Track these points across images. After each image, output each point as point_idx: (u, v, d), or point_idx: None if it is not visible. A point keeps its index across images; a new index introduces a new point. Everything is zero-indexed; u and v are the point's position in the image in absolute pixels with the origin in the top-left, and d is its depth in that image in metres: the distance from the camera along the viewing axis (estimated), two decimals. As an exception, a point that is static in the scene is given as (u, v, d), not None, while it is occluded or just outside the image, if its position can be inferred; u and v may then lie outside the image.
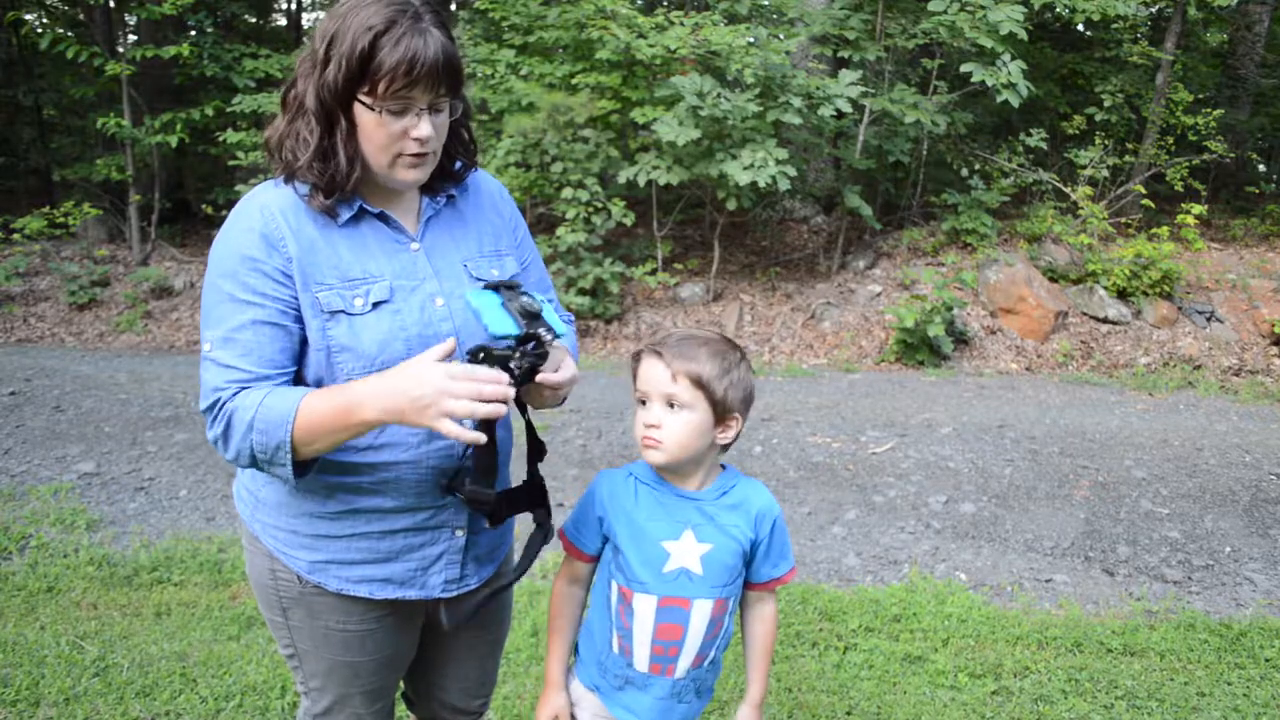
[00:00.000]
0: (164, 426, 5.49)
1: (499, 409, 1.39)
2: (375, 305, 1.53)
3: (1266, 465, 5.37)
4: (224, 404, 1.46)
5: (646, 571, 1.69)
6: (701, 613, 1.70)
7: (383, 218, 1.59)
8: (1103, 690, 3.14)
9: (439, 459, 1.60)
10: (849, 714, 2.94)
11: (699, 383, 1.63)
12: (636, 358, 1.68)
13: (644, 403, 1.67)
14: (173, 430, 5.42)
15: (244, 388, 1.47)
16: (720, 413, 1.66)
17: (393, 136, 1.48)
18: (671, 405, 1.64)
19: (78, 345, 8.02)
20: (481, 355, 1.45)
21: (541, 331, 1.47)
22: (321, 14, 15.04)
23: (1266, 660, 3.35)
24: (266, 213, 1.51)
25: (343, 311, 1.52)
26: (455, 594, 1.72)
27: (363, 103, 1.46)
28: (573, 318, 1.60)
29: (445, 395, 1.36)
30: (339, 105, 1.47)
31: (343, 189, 1.52)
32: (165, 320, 8.45)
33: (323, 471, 1.57)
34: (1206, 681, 3.21)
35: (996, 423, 6.00)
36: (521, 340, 1.47)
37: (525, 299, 1.51)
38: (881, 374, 7.41)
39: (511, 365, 1.44)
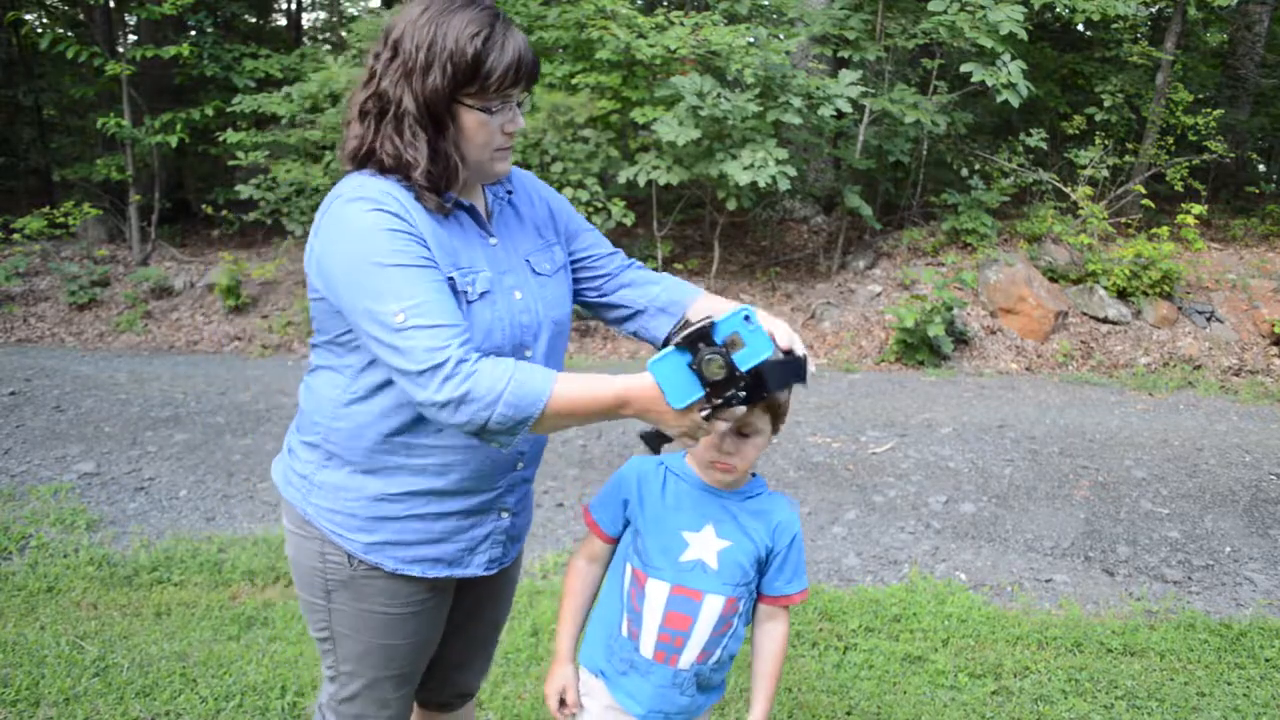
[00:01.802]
0: (164, 426, 5.49)
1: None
2: (481, 295, 1.60)
3: (1266, 465, 5.37)
4: (459, 365, 1.44)
5: (663, 558, 1.72)
6: (712, 607, 1.72)
7: (470, 211, 1.66)
8: (1103, 690, 3.14)
9: (499, 450, 1.68)
10: (849, 714, 2.94)
11: (773, 408, 1.66)
12: None
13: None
14: (173, 430, 5.43)
15: (478, 352, 1.48)
16: (777, 426, 1.70)
17: (492, 133, 1.58)
18: (744, 433, 1.67)
19: (78, 345, 8.02)
20: (711, 396, 1.47)
21: (730, 392, 1.46)
22: (322, 14, 15.05)
23: (1266, 660, 3.35)
24: (387, 196, 1.53)
25: (464, 295, 1.57)
26: (495, 572, 1.80)
27: (466, 104, 1.54)
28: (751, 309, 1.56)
29: (695, 429, 1.50)
30: (445, 108, 1.54)
31: (451, 186, 1.59)
32: (165, 320, 8.45)
33: (391, 453, 1.63)
34: (1206, 681, 3.21)
35: (996, 423, 6.00)
36: (712, 400, 1.47)
37: (711, 358, 1.45)
38: (881, 374, 7.41)
39: (729, 398, 1.48)
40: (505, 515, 1.77)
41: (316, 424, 1.68)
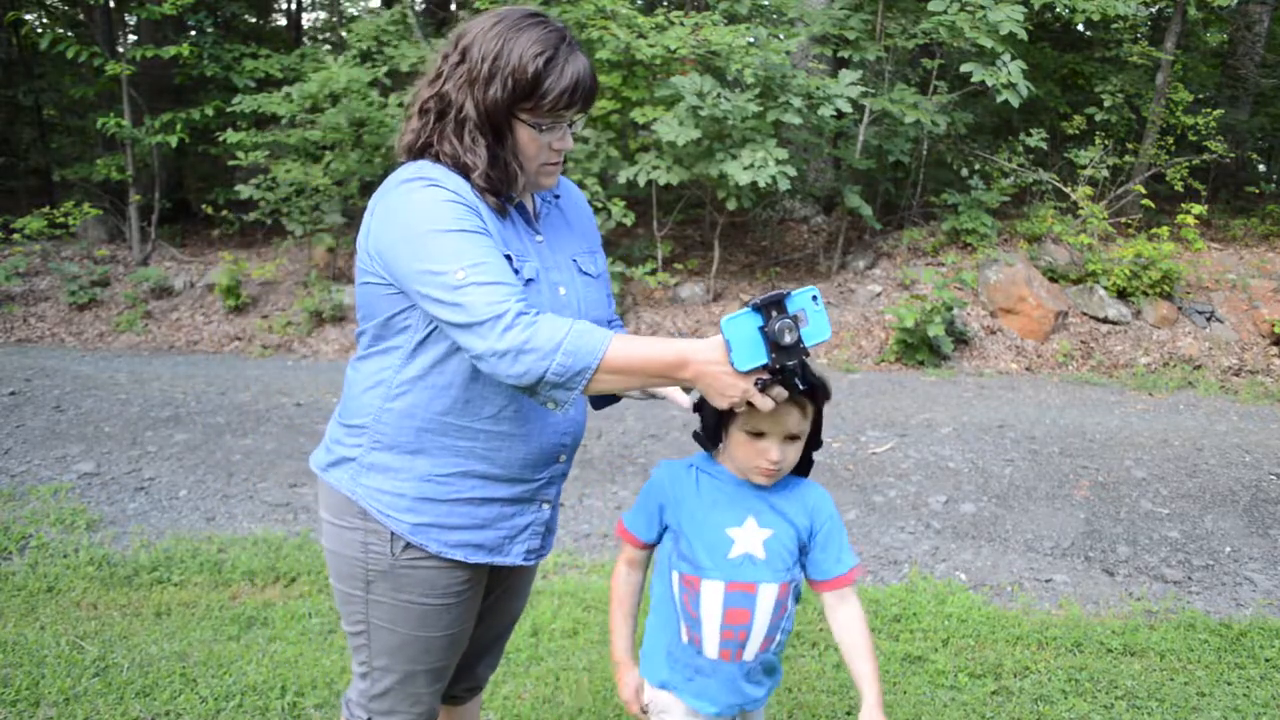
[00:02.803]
0: (164, 426, 5.49)
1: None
2: (527, 282, 1.64)
3: (1266, 465, 5.37)
4: (519, 316, 1.47)
5: (711, 558, 1.73)
6: (768, 596, 1.73)
7: (520, 208, 1.72)
8: (1103, 690, 3.14)
9: (553, 440, 1.76)
10: (849, 714, 2.94)
11: (820, 410, 1.70)
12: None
13: (759, 435, 1.67)
14: (173, 430, 5.43)
15: (535, 309, 1.51)
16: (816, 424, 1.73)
17: (541, 148, 1.65)
18: (794, 436, 1.69)
19: (78, 345, 8.02)
20: (774, 364, 1.50)
21: (790, 364, 1.50)
22: (322, 14, 15.05)
23: (1266, 660, 3.35)
24: (447, 176, 1.60)
25: (519, 274, 1.62)
26: (534, 563, 1.85)
27: (521, 119, 1.61)
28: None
29: (744, 397, 1.51)
30: (503, 119, 1.61)
31: (510, 190, 1.67)
32: (165, 320, 8.45)
33: (441, 434, 1.68)
34: (1206, 681, 3.21)
35: (996, 423, 6.00)
36: (773, 368, 1.51)
37: (784, 324, 1.48)
38: (881, 374, 7.41)
39: (788, 369, 1.52)
40: (546, 506, 1.81)
41: (366, 408, 1.72)
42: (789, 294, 1.50)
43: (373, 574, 1.74)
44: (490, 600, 1.96)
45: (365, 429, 1.72)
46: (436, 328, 1.62)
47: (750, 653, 1.76)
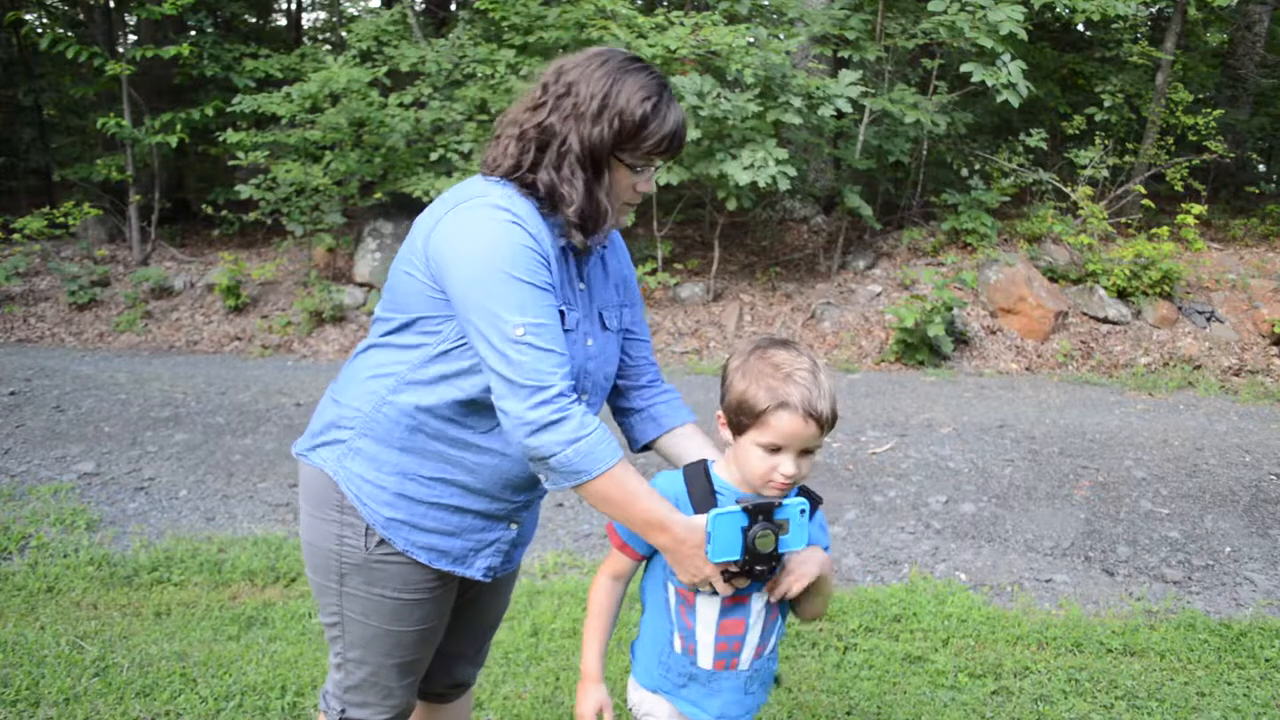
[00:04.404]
0: (164, 426, 5.49)
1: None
2: (567, 332, 1.68)
3: (1266, 465, 5.37)
4: (560, 396, 1.55)
5: None
6: (759, 604, 1.73)
7: (575, 253, 1.74)
8: (1103, 690, 3.14)
9: (529, 465, 1.78)
10: (849, 714, 2.94)
11: (834, 420, 1.65)
12: (768, 411, 1.61)
13: (775, 449, 1.62)
14: (173, 430, 5.43)
15: (573, 388, 1.59)
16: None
17: (629, 189, 1.71)
18: (810, 450, 1.65)
19: (78, 345, 8.02)
20: (744, 564, 1.62)
21: (759, 568, 1.62)
22: (322, 14, 15.05)
23: (1266, 660, 3.35)
24: (531, 216, 1.63)
25: (564, 325, 1.66)
26: (491, 580, 1.86)
27: (620, 158, 1.66)
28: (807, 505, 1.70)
29: (706, 580, 1.64)
30: (604, 157, 1.66)
31: (598, 229, 1.69)
32: (165, 320, 8.45)
33: (434, 439, 1.71)
34: (1206, 681, 3.21)
35: (996, 423, 6.00)
36: (743, 566, 1.62)
37: (765, 533, 1.59)
38: (881, 374, 7.41)
39: (756, 571, 1.64)
40: (514, 527, 1.84)
41: (368, 395, 1.73)
42: (781, 504, 1.61)
43: (346, 567, 1.76)
44: (468, 598, 1.98)
45: (360, 415, 1.73)
46: (465, 343, 1.64)
47: (745, 661, 1.75)
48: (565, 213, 1.64)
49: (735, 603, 1.71)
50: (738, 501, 1.61)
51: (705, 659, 1.74)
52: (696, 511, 1.67)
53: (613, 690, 2.04)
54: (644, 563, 1.80)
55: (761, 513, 1.59)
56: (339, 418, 1.77)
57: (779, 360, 1.63)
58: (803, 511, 1.62)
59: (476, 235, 1.60)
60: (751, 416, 1.62)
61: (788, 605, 1.80)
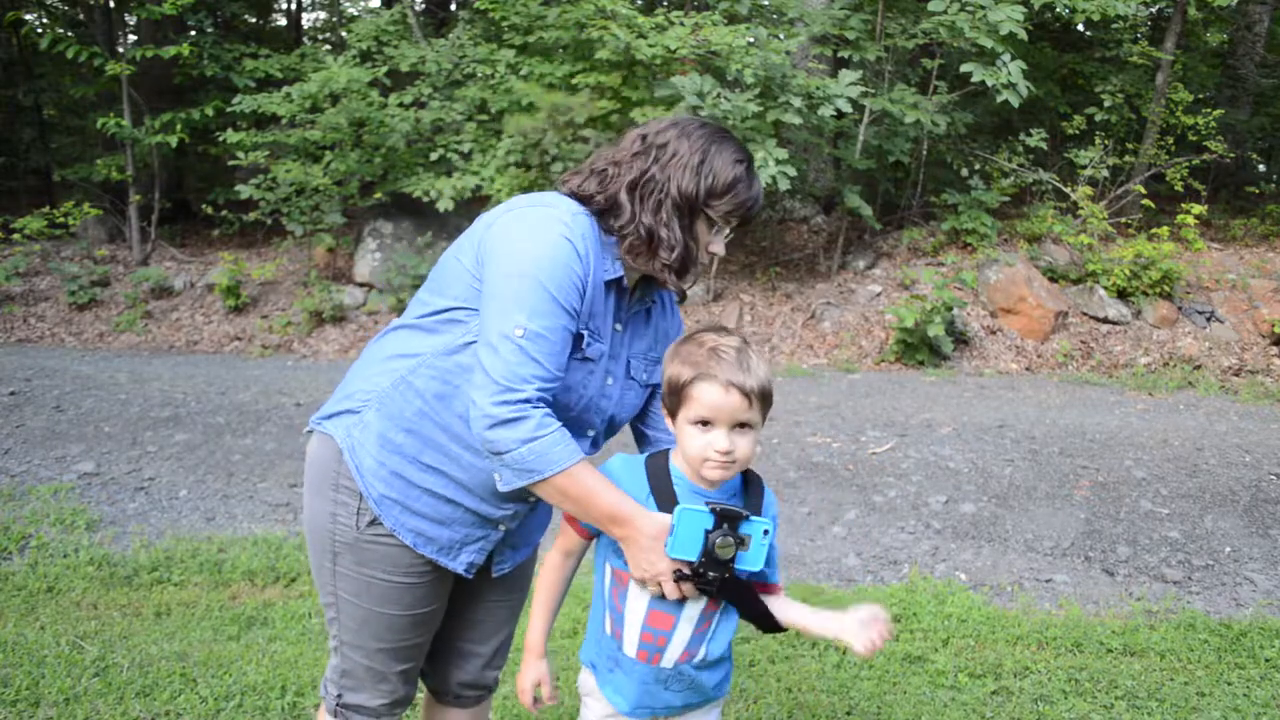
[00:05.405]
0: (164, 426, 5.49)
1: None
2: (584, 359, 1.74)
3: (1266, 465, 5.37)
4: (533, 405, 1.60)
5: None
6: (694, 608, 1.71)
7: (623, 292, 1.81)
8: (1103, 690, 3.14)
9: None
10: (849, 714, 2.94)
11: (765, 396, 1.65)
12: (690, 383, 1.63)
13: (705, 423, 1.63)
14: (173, 430, 5.43)
15: (546, 400, 1.63)
16: (766, 415, 1.69)
17: (704, 248, 1.80)
18: (741, 425, 1.64)
19: (78, 345, 8.02)
20: (699, 566, 1.64)
21: (712, 575, 1.64)
22: (322, 14, 15.05)
23: (1266, 660, 3.35)
24: (585, 238, 1.70)
25: (583, 350, 1.73)
26: (472, 576, 1.87)
27: (706, 213, 1.76)
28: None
29: (656, 578, 1.67)
30: (696, 208, 1.75)
31: (687, 273, 1.77)
32: (165, 320, 8.45)
33: (439, 429, 1.75)
34: (1206, 681, 3.21)
35: (996, 423, 6.00)
36: (695, 569, 1.64)
37: (726, 541, 1.62)
38: (881, 374, 7.41)
39: (705, 578, 1.66)
40: (501, 528, 1.87)
41: (389, 372, 1.78)
42: (749, 517, 1.64)
43: (339, 545, 1.80)
44: (470, 590, 1.97)
45: (377, 391, 1.78)
46: None
47: (669, 659, 1.73)
48: (664, 259, 1.72)
49: None
50: (707, 503, 1.63)
51: (630, 646, 1.73)
52: (656, 499, 1.69)
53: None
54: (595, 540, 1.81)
55: (728, 520, 1.62)
56: (357, 391, 1.81)
57: (705, 339, 1.67)
58: (766, 532, 1.64)
59: (528, 238, 1.66)
60: (678, 393, 1.65)
61: (735, 619, 1.77)
